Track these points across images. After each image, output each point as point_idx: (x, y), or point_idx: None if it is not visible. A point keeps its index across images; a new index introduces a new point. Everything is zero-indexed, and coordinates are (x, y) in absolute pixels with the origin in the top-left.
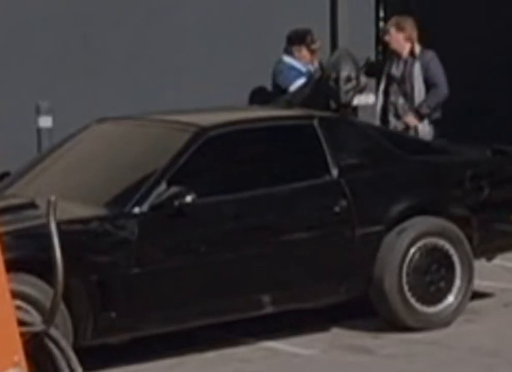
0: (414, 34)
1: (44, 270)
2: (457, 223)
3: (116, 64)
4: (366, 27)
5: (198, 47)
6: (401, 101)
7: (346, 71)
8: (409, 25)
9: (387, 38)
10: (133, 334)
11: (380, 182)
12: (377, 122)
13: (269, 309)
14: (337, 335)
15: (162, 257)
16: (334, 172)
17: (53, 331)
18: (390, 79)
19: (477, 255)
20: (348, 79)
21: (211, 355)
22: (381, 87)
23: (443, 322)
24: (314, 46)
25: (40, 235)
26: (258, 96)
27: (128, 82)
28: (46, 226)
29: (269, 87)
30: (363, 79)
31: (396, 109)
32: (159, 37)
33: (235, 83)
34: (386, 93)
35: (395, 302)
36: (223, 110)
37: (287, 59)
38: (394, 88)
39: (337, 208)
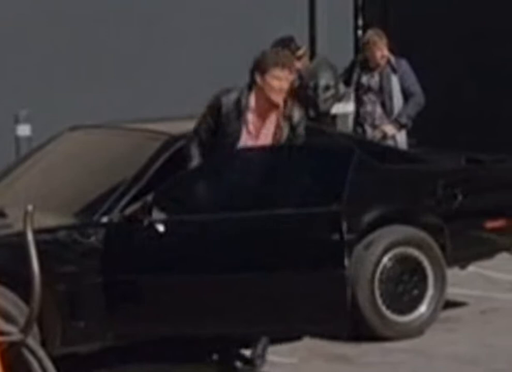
0: (385, 44)
1: (10, 280)
2: (429, 232)
3: (96, 73)
4: (345, 35)
5: (188, 53)
6: (378, 110)
7: (324, 79)
8: (377, 36)
9: (366, 54)
10: (102, 343)
11: (351, 191)
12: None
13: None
14: (317, 343)
15: (130, 266)
16: None
17: (31, 341)
18: (362, 88)
19: (450, 263)
20: (327, 88)
21: (190, 365)
22: (352, 96)
23: (416, 331)
24: (299, 53)
25: (7, 245)
26: None
27: (108, 90)
28: (16, 235)
29: None
30: (342, 87)
31: (374, 119)
32: (147, 46)
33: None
34: (358, 103)
35: (368, 312)
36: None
37: None
38: (370, 97)
39: None
